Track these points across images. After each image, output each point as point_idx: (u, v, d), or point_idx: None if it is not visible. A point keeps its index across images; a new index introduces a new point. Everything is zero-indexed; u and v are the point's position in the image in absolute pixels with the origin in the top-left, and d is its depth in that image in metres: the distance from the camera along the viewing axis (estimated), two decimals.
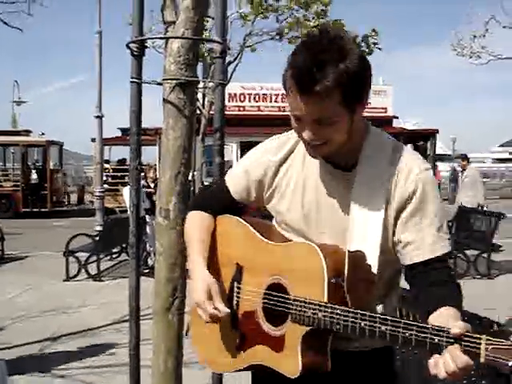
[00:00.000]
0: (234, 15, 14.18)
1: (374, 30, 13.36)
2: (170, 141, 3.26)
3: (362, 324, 1.67)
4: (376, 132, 1.97)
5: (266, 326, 1.92)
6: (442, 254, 1.83)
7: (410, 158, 1.91)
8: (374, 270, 1.82)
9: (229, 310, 1.95)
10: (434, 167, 19.85)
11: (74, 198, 30.84)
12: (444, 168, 33.85)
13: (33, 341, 6.62)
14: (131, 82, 3.31)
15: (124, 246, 12.26)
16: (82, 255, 10.70)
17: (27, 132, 28.04)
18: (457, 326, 1.50)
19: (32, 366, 5.83)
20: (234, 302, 2.04)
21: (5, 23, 10.08)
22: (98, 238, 11.18)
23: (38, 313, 7.95)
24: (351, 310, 1.70)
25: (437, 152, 21.47)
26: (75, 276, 10.43)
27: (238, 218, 2.14)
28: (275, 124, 15.18)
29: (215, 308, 1.93)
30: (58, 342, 6.67)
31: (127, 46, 3.36)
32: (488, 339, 1.45)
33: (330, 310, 1.73)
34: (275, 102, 23.82)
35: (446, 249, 1.85)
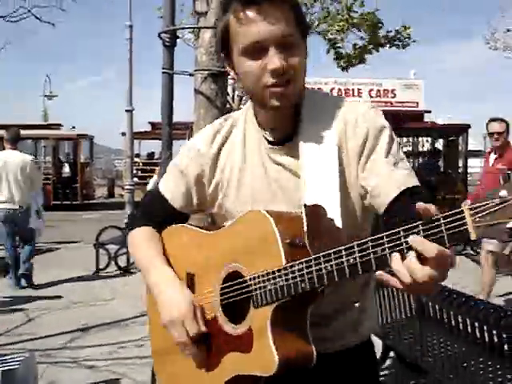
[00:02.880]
0: None
1: (404, 27, 13.21)
2: None
3: (328, 266, 1.40)
4: (312, 92, 1.79)
5: (229, 327, 1.64)
6: (407, 187, 1.60)
7: (353, 106, 1.74)
8: (338, 223, 1.57)
9: (204, 329, 1.68)
10: (466, 163, 19.56)
11: (103, 191, 31.10)
12: (476, 164, 33.42)
13: (62, 332, 6.67)
14: (163, 72, 3.31)
15: None
16: (112, 247, 10.76)
17: (58, 126, 28.31)
18: (421, 205, 1.25)
19: (61, 356, 5.88)
20: None
21: (37, 18, 10.17)
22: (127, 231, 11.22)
23: (67, 304, 8.01)
24: (311, 257, 1.44)
25: (469, 148, 21.18)
26: (105, 268, 10.49)
27: (178, 224, 1.89)
28: None
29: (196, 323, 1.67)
30: (87, 334, 6.71)
31: (159, 36, 3.35)
32: (472, 208, 1.17)
33: (290, 270, 1.47)
34: None
35: (410, 182, 1.62)
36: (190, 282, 1.78)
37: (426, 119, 22.04)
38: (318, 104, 1.75)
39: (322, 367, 1.62)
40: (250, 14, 1.58)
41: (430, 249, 1.21)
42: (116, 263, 10.54)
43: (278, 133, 1.75)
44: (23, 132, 25.80)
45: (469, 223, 1.16)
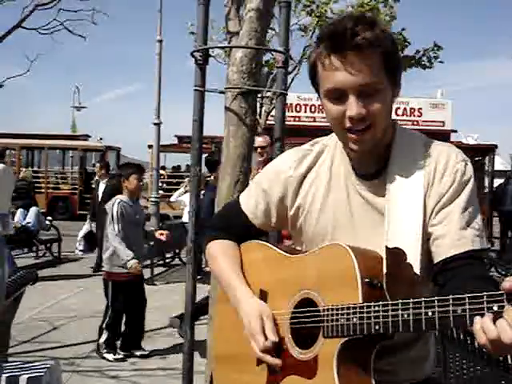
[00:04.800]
0: (295, 26, 14.26)
1: (436, 45, 13.20)
2: (231, 148, 3.31)
3: (405, 315, 1.43)
4: (403, 129, 1.81)
5: (296, 351, 1.68)
6: (472, 249, 1.61)
7: (444, 151, 1.73)
8: (417, 269, 1.59)
9: (276, 339, 1.71)
10: (492, 183, 19.40)
11: None
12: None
13: (86, 341, 6.74)
14: (195, 90, 3.37)
15: (177, 251, 12.40)
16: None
17: (86, 137, 28.65)
18: (508, 281, 1.27)
19: (85, 365, 5.94)
20: None
21: (69, 31, 10.35)
22: (152, 243, 11.32)
23: (91, 313, 8.06)
24: (389, 302, 1.47)
25: (497, 168, 20.99)
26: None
27: (256, 240, 1.95)
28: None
29: (266, 336, 1.72)
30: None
31: (192, 54, 3.42)
32: None
33: (365, 310, 1.50)
34: None
35: (477, 245, 1.63)
36: (263, 299, 1.83)
37: (453, 139, 21.95)
38: (408, 143, 1.77)
39: None
40: (334, 60, 1.62)
41: None
42: None
43: (366, 167, 1.77)
44: (51, 142, 26.20)
45: None
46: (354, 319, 1.52)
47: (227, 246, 1.98)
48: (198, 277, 3.68)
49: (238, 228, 1.99)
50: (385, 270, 1.57)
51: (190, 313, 3.43)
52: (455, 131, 23.44)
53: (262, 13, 3.32)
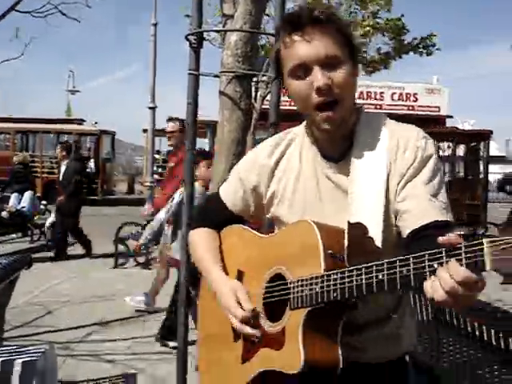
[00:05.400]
0: (290, 10, 14.20)
1: (432, 34, 13.19)
2: (225, 133, 3.30)
3: (359, 280, 1.51)
4: (367, 112, 1.89)
5: (267, 325, 1.76)
6: (436, 219, 1.65)
7: (405, 130, 1.81)
8: (378, 243, 1.67)
9: (252, 307, 1.79)
10: (487, 169, 19.44)
11: (124, 187, 31.26)
12: (497, 170, 33.19)
13: (80, 325, 6.76)
14: (189, 73, 3.35)
15: None
16: (131, 243, 10.85)
17: (80, 121, 28.56)
18: (445, 237, 1.33)
19: (80, 350, 5.97)
20: None
21: (63, 14, 10.24)
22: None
23: (86, 298, 8.10)
24: (346, 269, 1.55)
25: (493, 154, 21.04)
26: (124, 263, 10.59)
27: (236, 225, 2.04)
28: None
29: (242, 308, 1.79)
30: (106, 328, 6.79)
31: (186, 37, 3.39)
32: (491, 241, 1.23)
33: (326, 279, 1.59)
34: None
35: (442, 216, 1.66)
36: (239, 279, 1.93)
37: (449, 124, 21.96)
38: (372, 125, 1.83)
39: (351, 376, 1.73)
40: (295, 37, 1.71)
41: (458, 271, 1.29)
42: (135, 259, 10.63)
43: (333, 150, 1.85)
44: (46, 126, 26.09)
45: (486, 255, 1.24)
46: (316, 289, 1.60)
47: (206, 234, 2.09)
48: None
49: (218, 216, 2.09)
50: (346, 243, 1.64)
51: (183, 295, 3.44)
52: (451, 117, 23.42)
53: None
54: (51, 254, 11.20)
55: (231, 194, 2.06)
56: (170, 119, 7.50)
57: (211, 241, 2.07)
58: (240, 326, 1.78)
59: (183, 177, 3.60)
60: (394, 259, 1.43)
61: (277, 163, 1.95)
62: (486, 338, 3.70)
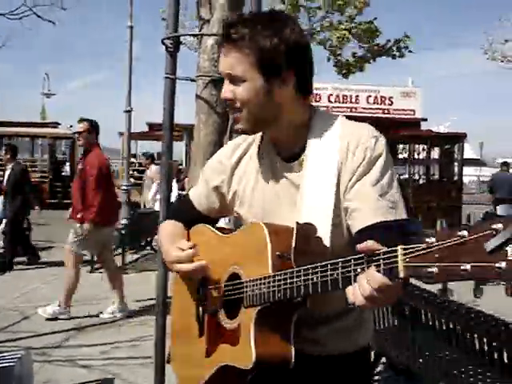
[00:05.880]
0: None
1: (406, 36, 13.34)
2: (202, 136, 3.30)
3: (298, 282, 1.60)
4: (321, 113, 1.96)
5: (226, 322, 1.87)
6: (383, 220, 1.71)
7: (356, 129, 1.87)
8: (326, 242, 1.74)
9: (191, 244, 1.95)
10: (461, 171, 19.66)
11: None
12: (471, 172, 33.53)
13: (57, 330, 6.72)
14: (165, 77, 3.35)
15: (149, 239, 12.38)
16: None
17: (56, 124, 28.30)
18: (363, 244, 1.41)
19: (56, 355, 5.92)
20: (200, 310, 2.00)
21: (38, 16, 10.20)
22: (123, 231, 11.28)
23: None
24: (288, 271, 1.64)
25: (468, 156, 21.26)
26: (100, 268, 10.52)
27: (202, 224, 2.11)
28: None
29: (181, 249, 1.95)
30: (82, 333, 6.75)
31: (162, 42, 3.40)
32: (405, 248, 1.31)
33: (271, 280, 1.68)
34: None
35: (389, 216, 1.72)
36: (203, 278, 2.00)
37: (424, 127, 22.15)
38: (325, 124, 1.90)
39: (311, 368, 1.89)
40: (220, 49, 1.88)
41: (375, 278, 1.38)
42: None
43: (288, 150, 1.93)
44: (20, 130, 25.80)
45: (399, 262, 1.32)
46: (264, 289, 1.69)
47: (172, 227, 2.18)
48: None
49: (187, 215, 2.18)
50: (293, 244, 1.69)
51: (161, 300, 3.43)
52: (425, 120, 23.59)
53: (234, 0, 3.31)
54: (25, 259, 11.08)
55: (198, 194, 2.17)
56: (81, 120, 7.52)
57: (175, 228, 2.16)
58: (178, 265, 1.94)
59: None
60: (327, 263, 1.52)
61: (237, 164, 2.05)
62: (460, 338, 3.75)
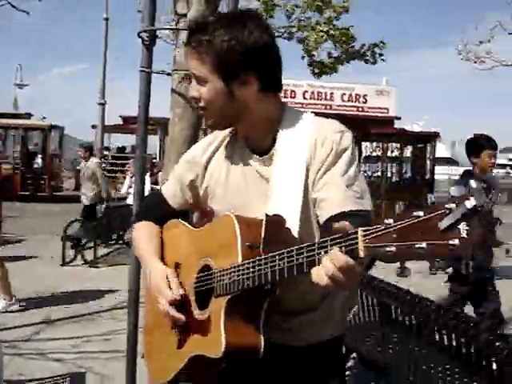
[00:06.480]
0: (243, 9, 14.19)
1: (382, 42, 13.42)
2: (177, 131, 3.30)
3: (265, 269, 1.64)
4: (291, 109, 2.02)
5: (196, 312, 1.90)
6: (351, 209, 1.76)
7: (324, 124, 1.94)
8: (295, 233, 1.78)
9: (182, 292, 1.92)
10: (433, 170, 19.83)
11: (72, 183, 30.79)
12: (443, 171, 33.84)
13: (28, 323, 6.67)
14: (141, 71, 3.34)
15: (121, 233, 12.32)
16: (80, 241, 10.75)
17: (28, 115, 27.98)
18: (337, 224, 1.48)
19: (26, 348, 5.88)
20: None
21: (13, 6, 10.08)
22: (95, 224, 11.22)
23: (33, 296, 7.98)
24: (256, 259, 1.68)
25: (441, 155, 21.45)
26: (71, 261, 10.46)
27: (175, 219, 2.16)
28: None
29: (171, 291, 1.92)
30: (53, 326, 6.71)
31: (138, 35, 3.39)
32: (365, 230, 1.36)
33: (240, 268, 1.72)
34: (284, 97, 23.81)
35: (356, 206, 1.78)
36: (176, 270, 2.03)
37: (397, 125, 22.31)
38: (295, 120, 1.96)
39: (283, 358, 1.94)
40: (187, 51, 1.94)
41: (338, 257, 1.41)
42: (82, 256, 10.51)
43: (258, 144, 1.99)
44: None
45: (359, 243, 1.36)
46: (234, 277, 1.74)
47: (147, 228, 2.21)
48: None
49: (160, 211, 2.21)
50: (262, 235, 1.72)
51: (133, 292, 3.43)
52: (399, 118, 23.77)
53: None
54: None
55: (171, 190, 2.20)
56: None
57: (151, 234, 2.18)
58: (167, 308, 1.90)
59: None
60: (292, 248, 1.56)
61: (209, 160, 2.10)
62: (430, 335, 3.80)
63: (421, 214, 1.26)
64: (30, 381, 5.02)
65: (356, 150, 1.92)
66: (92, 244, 10.80)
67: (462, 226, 1.21)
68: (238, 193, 2.00)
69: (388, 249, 1.29)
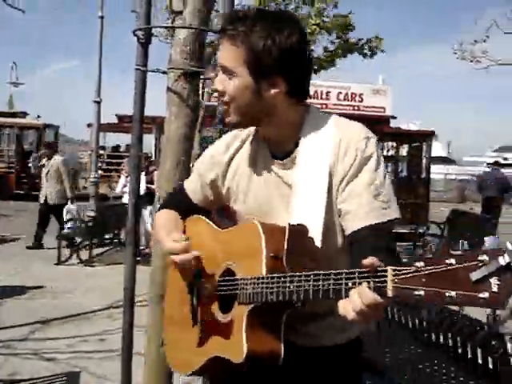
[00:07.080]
0: (239, 7, 14.17)
1: (377, 37, 13.39)
2: (172, 130, 3.28)
3: (290, 287, 1.63)
4: (316, 111, 1.97)
5: (219, 315, 1.90)
6: (377, 222, 1.75)
7: (349, 129, 1.88)
8: (318, 243, 1.78)
9: (185, 237, 1.94)
10: (429, 169, 19.83)
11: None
12: (439, 170, 33.89)
13: (23, 323, 6.64)
14: (136, 69, 3.32)
15: (116, 232, 12.30)
16: (75, 240, 10.72)
17: (23, 114, 27.91)
18: (365, 260, 1.44)
19: (22, 348, 5.85)
20: (195, 300, 2.00)
21: (8, 4, 10.03)
22: (91, 224, 11.19)
23: (28, 295, 7.96)
24: (282, 275, 1.67)
25: (437, 154, 21.46)
26: (67, 260, 10.43)
27: (198, 216, 2.14)
28: None
29: (175, 241, 1.92)
30: (48, 326, 6.69)
31: (133, 33, 3.36)
32: (395, 269, 1.36)
33: (265, 281, 1.70)
34: None
35: (383, 217, 1.77)
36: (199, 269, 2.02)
37: (393, 125, 22.31)
38: (319, 123, 1.91)
39: (304, 359, 1.94)
40: (220, 40, 1.89)
41: (367, 295, 1.41)
42: (78, 256, 10.49)
43: (281, 148, 1.94)
44: None
45: (388, 283, 1.36)
46: (258, 289, 1.72)
47: (168, 216, 2.17)
48: (137, 258, 3.64)
49: (183, 205, 2.18)
50: (285, 246, 1.72)
51: (128, 291, 3.41)
52: (395, 117, 23.76)
53: None
54: None
55: (192, 186, 2.18)
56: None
57: (171, 217, 2.15)
58: (173, 256, 1.91)
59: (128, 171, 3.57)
60: (320, 272, 1.55)
61: (230, 160, 2.06)
62: (426, 335, 3.80)
63: (453, 261, 1.26)
64: (25, 380, 5.00)
65: (381, 154, 1.87)
66: (87, 243, 10.77)
67: (494, 281, 1.21)
68: (260, 197, 1.97)
69: (416, 292, 1.30)
